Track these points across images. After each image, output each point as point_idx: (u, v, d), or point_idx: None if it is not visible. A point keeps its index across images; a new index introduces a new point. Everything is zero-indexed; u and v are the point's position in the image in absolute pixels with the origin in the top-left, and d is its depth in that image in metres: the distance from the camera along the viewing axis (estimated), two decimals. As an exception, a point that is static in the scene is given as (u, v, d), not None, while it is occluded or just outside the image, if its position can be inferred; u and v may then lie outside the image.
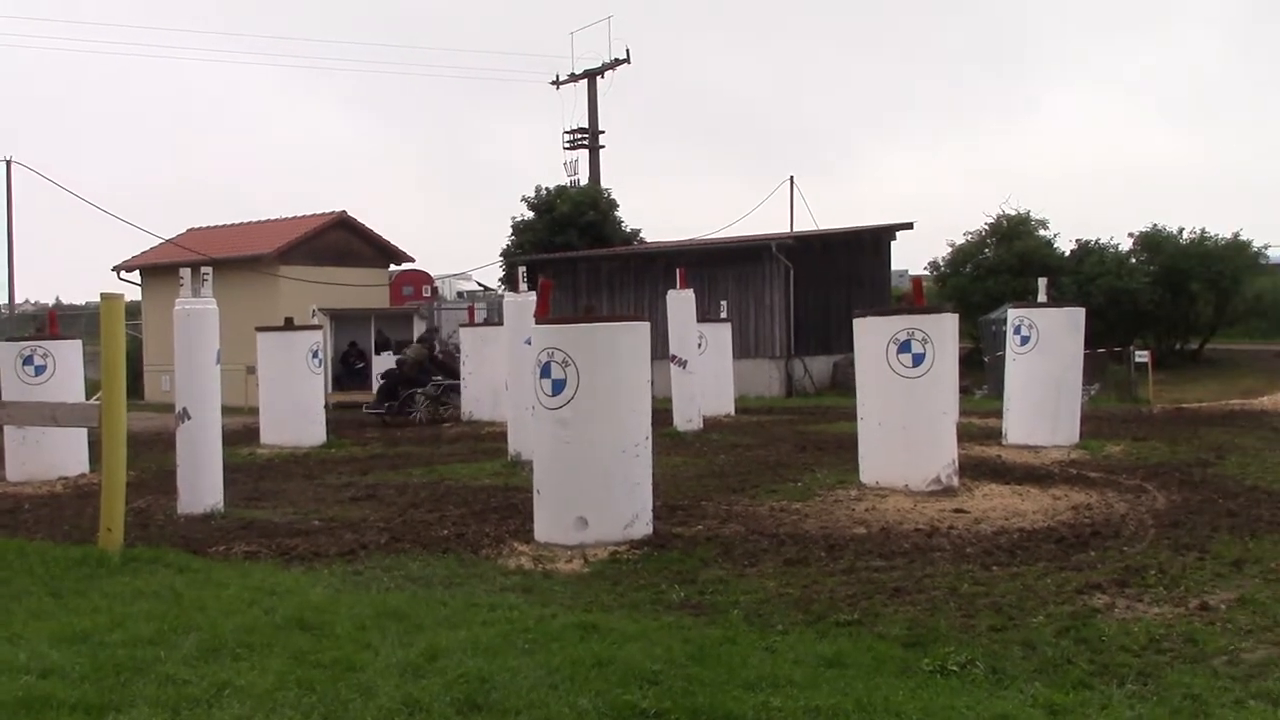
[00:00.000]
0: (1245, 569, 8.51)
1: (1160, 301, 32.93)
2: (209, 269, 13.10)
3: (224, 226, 38.68)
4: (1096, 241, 35.09)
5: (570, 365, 9.88)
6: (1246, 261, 33.71)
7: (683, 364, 20.08)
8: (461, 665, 6.32)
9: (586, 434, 9.94)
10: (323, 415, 20.65)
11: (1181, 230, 34.07)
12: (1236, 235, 33.64)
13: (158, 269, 34.76)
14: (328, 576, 8.94)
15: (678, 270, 21.26)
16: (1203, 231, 33.86)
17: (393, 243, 36.99)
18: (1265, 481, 12.74)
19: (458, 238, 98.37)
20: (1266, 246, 35.40)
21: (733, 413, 23.84)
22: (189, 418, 12.45)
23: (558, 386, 9.95)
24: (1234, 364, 32.06)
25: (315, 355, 20.13)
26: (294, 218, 36.56)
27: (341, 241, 35.59)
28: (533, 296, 14.34)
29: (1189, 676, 6.01)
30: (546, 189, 42.73)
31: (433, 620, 7.38)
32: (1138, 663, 6.30)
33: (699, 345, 21.44)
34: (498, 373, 19.05)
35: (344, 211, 35.78)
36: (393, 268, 37.41)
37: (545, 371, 10.03)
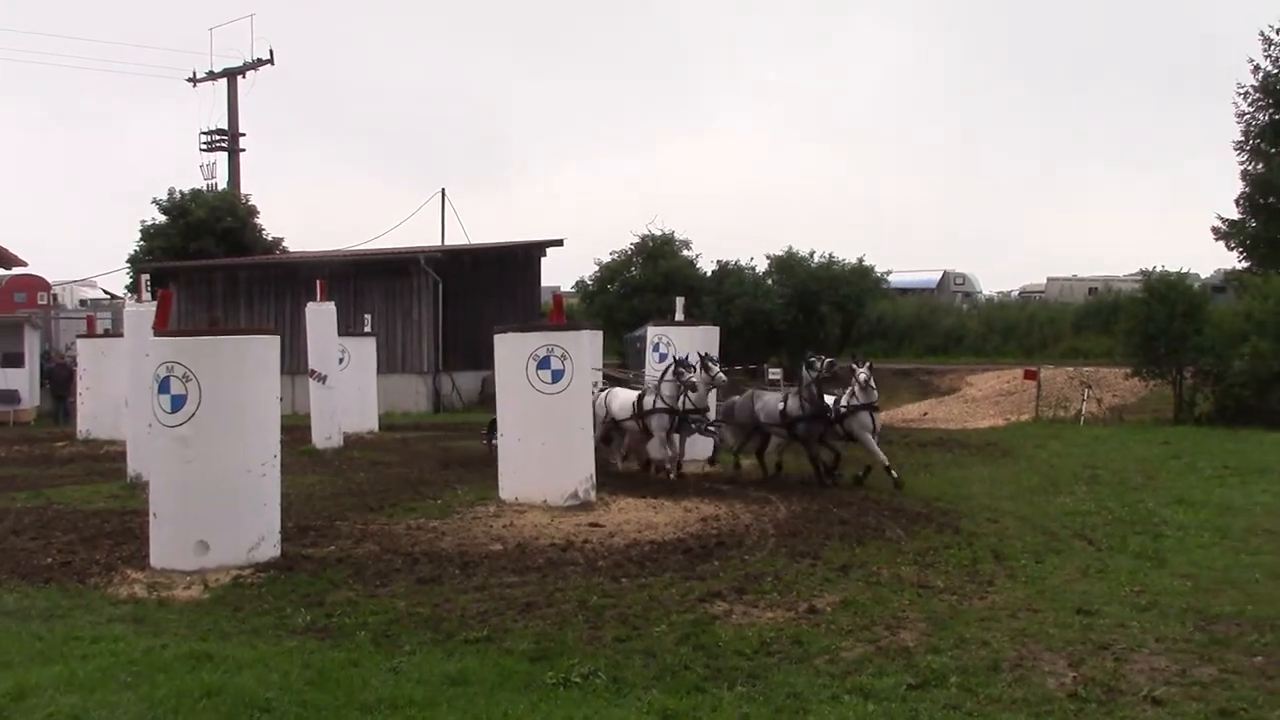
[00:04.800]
0: (851, 573, 9.15)
1: (793, 322, 35.06)
2: None
3: None
4: (736, 263, 37.01)
5: (191, 380, 9.35)
6: (869, 286, 36.46)
7: (322, 379, 19.50)
8: (53, 703, 5.87)
9: (209, 452, 9.43)
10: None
11: (813, 254, 36.43)
12: (861, 261, 36.32)
13: None
14: (-100, 614, 8.02)
15: (318, 282, 20.62)
16: (831, 256, 36.36)
17: (2, 245, 33.81)
18: (874, 492, 13.74)
19: (82, 242, 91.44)
20: (888, 272, 38.44)
21: (376, 429, 23.40)
22: None
23: (177, 402, 9.40)
24: (855, 382, 34.51)
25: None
26: (-117, 215, 32.84)
27: (-60, 242, 32.24)
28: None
29: (793, 676, 6.39)
30: (181, 192, 40.58)
31: (24, 656, 6.82)
32: (749, 665, 6.63)
33: (341, 360, 20.90)
34: (119, 388, 17.79)
35: (-56, 210, 32.51)
36: (1, 272, 34.24)
37: (164, 387, 9.45)
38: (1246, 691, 6.08)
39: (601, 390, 16.06)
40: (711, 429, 15.17)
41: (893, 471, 13.85)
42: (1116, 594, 8.32)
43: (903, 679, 6.28)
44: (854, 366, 14.14)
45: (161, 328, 10.24)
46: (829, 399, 14.34)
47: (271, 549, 9.78)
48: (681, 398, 14.55)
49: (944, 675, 6.34)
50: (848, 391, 14.17)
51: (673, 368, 14.68)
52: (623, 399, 15.63)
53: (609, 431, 15.96)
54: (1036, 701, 5.95)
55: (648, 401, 15.01)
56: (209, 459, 9.44)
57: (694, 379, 14.41)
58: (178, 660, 6.68)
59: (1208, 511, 11.86)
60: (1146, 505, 12.28)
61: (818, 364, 14.33)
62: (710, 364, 14.94)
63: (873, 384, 14.05)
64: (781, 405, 14.56)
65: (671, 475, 14.79)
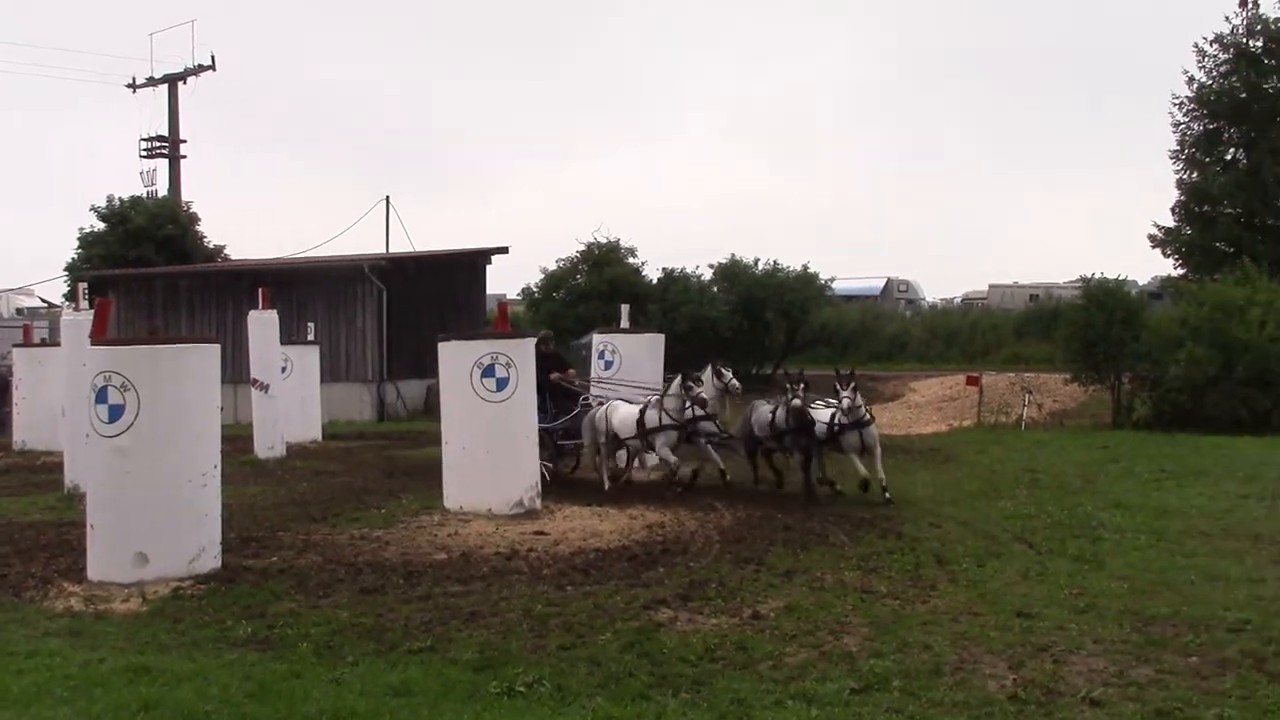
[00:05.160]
0: (795, 579, 9.20)
1: (738, 329, 35.15)
2: None
3: None
4: (681, 270, 37.06)
5: (130, 390, 9.24)
6: (814, 293, 36.58)
7: (264, 388, 19.28)
8: (-14, 721, 5.73)
9: (148, 463, 9.31)
10: None
11: (757, 261, 36.51)
12: (805, 268, 36.44)
13: None
14: None
15: (260, 290, 20.39)
16: (775, 263, 36.45)
17: (-64, 253, 33.29)
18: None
19: (19, 249, 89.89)
20: (832, 279, 38.60)
21: (320, 439, 23.14)
22: None
23: (115, 412, 9.28)
24: (802, 388, 34.70)
25: None
26: None
27: (-128, 250, 31.63)
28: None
29: (737, 682, 6.43)
30: (120, 199, 39.95)
31: (-43, 673, 6.66)
32: (693, 672, 6.65)
33: (283, 369, 20.68)
34: (56, 397, 17.50)
35: (-125, 217, 31.86)
36: (-65, 281, 33.64)
37: (101, 396, 9.33)
38: (1182, 691, 6.18)
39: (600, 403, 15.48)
40: (725, 439, 14.98)
41: (870, 484, 13.70)
42: (1056, 597, 8.43)
43: (846, 683, 6.32)
44: (837, 386, 14.03)
45: (99, 336, 10.07)
46: (827, 410, 14.28)
47: (212, 560, 9.67)
48: (690, 410, 14.07)
49: (886, 679, 6.40)
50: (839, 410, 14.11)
51: (679, 380, 14.20)
52: (624, 414, 14.80)
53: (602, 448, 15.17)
54: (977, 704, 6.02)
55: (651, 416, 14.34)
56: (148, 469, 9.33)
57: (703, 393, 14.11)
58: (115, 674, 6.60)
59: (1144, 514, 12.03)
60: (1085, 509, 12.44)
61: (791, 386, 14.06)
62: (722, 371, 14.93)
63: (857, 403, 13.93)
64: (770, 417, 14.58)
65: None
